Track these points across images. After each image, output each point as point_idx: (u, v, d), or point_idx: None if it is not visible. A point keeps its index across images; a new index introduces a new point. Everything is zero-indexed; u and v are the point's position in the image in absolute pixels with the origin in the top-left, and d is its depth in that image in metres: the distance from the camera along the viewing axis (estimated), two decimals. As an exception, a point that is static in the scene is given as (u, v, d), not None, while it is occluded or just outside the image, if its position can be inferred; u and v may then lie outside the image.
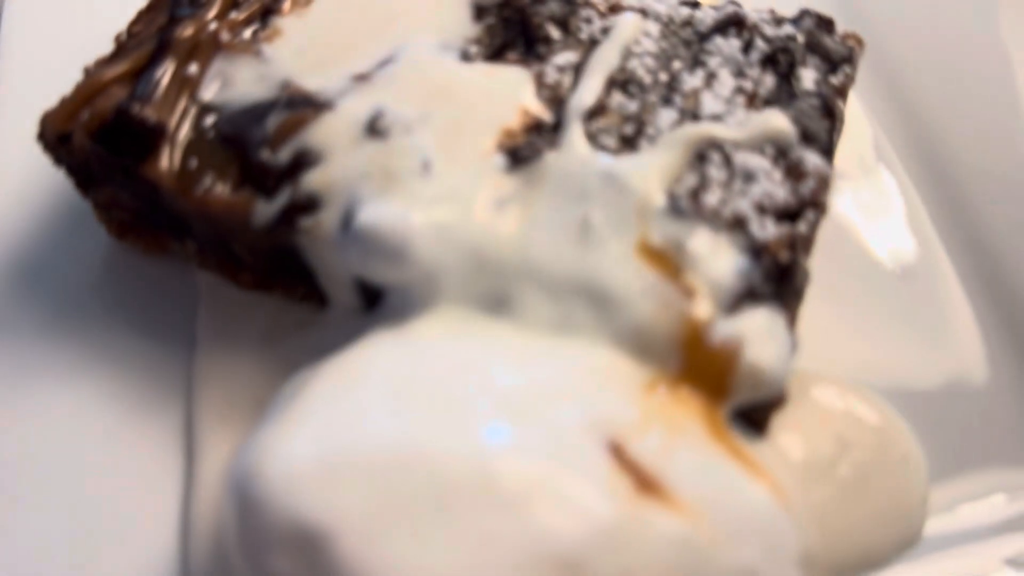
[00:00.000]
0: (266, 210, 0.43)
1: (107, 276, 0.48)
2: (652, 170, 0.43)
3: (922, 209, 0.54)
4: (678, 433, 0.37)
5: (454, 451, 0.33)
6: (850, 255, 0.52)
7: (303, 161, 0.43)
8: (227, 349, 0.45)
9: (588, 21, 0.48)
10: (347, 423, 0.34)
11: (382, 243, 0.41)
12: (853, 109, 0.55)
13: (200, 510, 0.41)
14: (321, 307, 0.45)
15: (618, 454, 0.34)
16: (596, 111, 0.45)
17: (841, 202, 0.54)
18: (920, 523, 0.45)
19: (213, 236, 0.45)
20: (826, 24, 0.48)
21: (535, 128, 0.44)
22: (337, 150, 0.43)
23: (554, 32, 0.47)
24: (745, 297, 0.41)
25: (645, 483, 0.34)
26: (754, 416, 0.43)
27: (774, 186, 0.43)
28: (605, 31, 0.47)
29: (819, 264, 0.45)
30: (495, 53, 0.47)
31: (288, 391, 0.37)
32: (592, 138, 0.44)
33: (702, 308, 0.41)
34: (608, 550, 0.32)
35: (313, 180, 0.43)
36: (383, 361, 0.36)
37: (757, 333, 0.41)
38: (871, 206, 0.54)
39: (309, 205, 0.42)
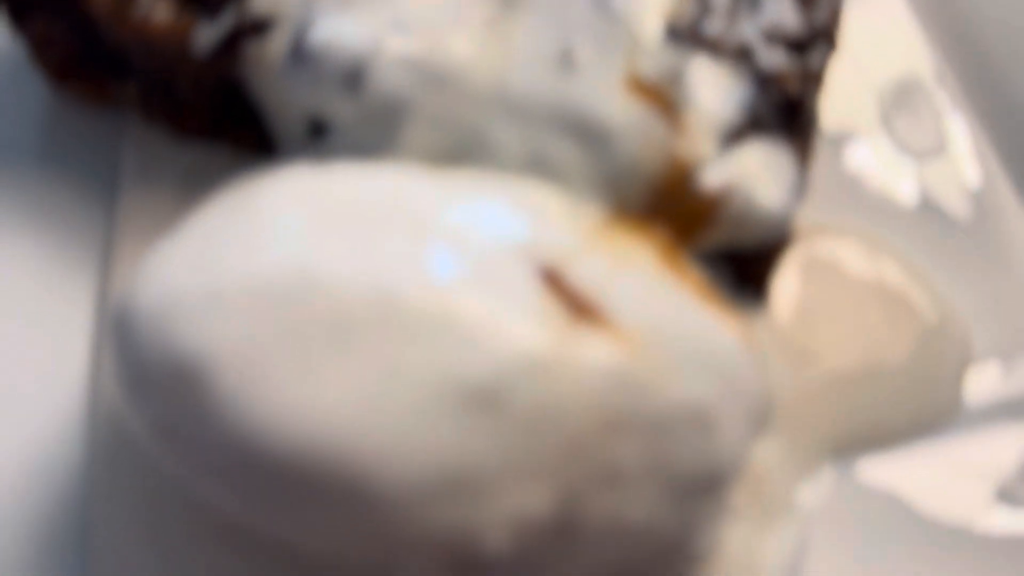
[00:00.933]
0: (208, 34, 0.37)
1: (44, 130, 0.44)
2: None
3: (988, 148, 0.46)
4: (627, 263, 0.32)
5: (356, 277, 0.27)
6: (901, 199, 0.45)
7: (247, -23, 0.38)
8: (150, 192, 0.40)
9: None
10: (237, 246, 0.28)
11: (337, 66, 0.36)
12: (907, 23, 0.49)
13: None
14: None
15: (552, 280, 0.29)
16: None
17: (890, 140, 0.46)
18: (953, 404, 0.40)
19: (154, 73, 0.40)
20: None
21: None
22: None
23: None
24: (747, 129, 0.36)
25: (580, 310, 0.29)
26: (750, 271, 0.39)
27: (784, 11, 0.38)
28: None
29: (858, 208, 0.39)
30: None
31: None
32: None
33: (694, 144, 0.36)
34: (530, 381, 0.27)
35: (260, 1, 0.38)
36: (290, 185, 0.30)
37: (757, 167, 0.36)
38: (926, 144, 0.47)
39: (256, 27, 0.37)
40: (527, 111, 0.36)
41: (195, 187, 0.40)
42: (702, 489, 0.30)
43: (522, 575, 0.28)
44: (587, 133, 0.36)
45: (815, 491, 0.38)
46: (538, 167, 0.36)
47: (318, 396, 0.26)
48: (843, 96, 0.46)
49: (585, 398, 0.28)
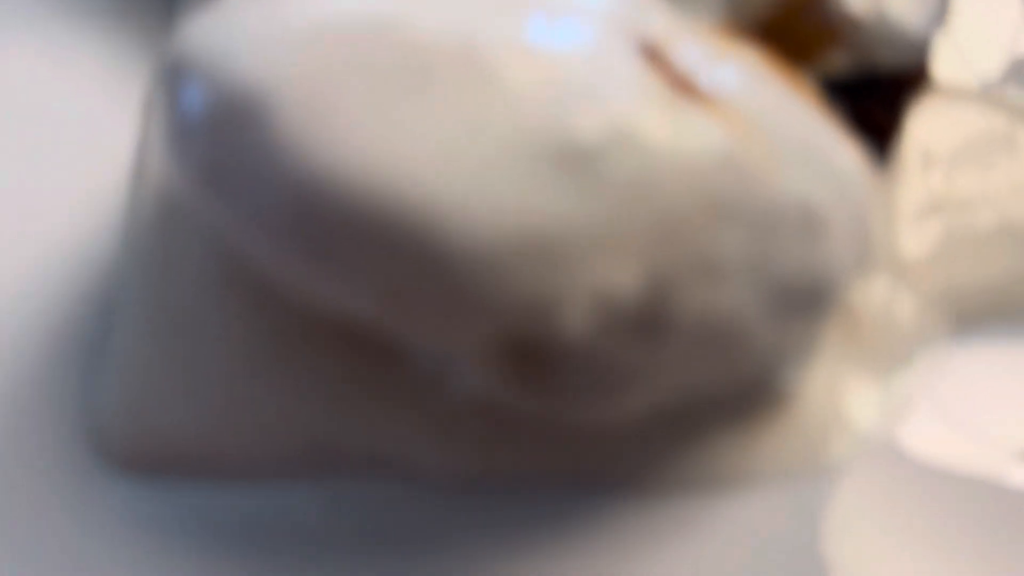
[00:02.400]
0: None
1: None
2: None
3: None
4: (735, 55, 0.28)
5: (440, 27, 0.24)
6: None
7: None
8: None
9: None
10: None
11: None
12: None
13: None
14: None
15: (653, 56, 0.26)
16: None
17: None
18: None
19: None
20: None
21: None
22: None
23: None
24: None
25: (685, 87, 0.26)
26: (874, 114, 0.35)
27: None
28: None
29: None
30: None
31: None
32: None
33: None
34: (630, 149, 0.24)
35: None
36: None
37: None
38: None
39: None
40: None
41: None
42: (802, 302, 0.27)
43: (593, 375, 0.25)
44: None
45: (929, 356, 0.34)
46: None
47: (391, 138, 0.23)
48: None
49: (689, 176, 0.25)
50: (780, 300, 0.27)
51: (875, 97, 0.34)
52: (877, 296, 0.33)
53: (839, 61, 0.32)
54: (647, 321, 0.25)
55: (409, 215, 0.23)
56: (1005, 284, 0.34)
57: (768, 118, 0.27)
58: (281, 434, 0.28)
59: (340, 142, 0.23)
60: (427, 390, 0.28)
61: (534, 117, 0.24)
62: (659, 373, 0.26)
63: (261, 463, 0.28)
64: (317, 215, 0.23)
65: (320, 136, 0.23)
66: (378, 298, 0.24)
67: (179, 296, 0.28)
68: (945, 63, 0.39)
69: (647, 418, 0.29)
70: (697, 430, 0.29)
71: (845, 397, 0.32)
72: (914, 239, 0.35)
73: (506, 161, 0.23)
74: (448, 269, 0.23)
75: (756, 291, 0.26)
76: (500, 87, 0.24)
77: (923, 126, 0.35)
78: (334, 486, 0.29)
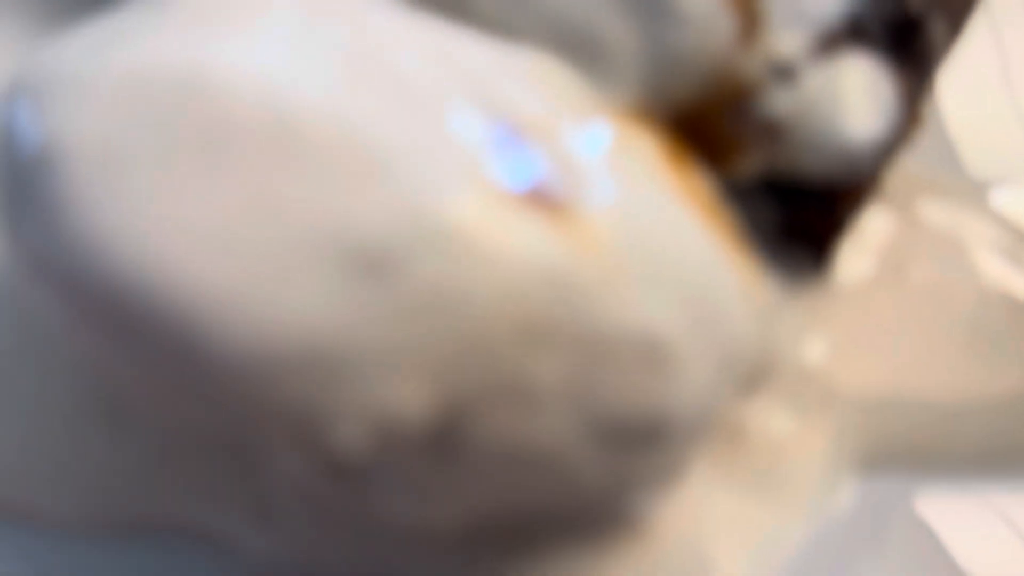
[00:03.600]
0: None
1: None
2: None
3: None
4: (624, 152, 0.25)
5: (253, 83, 0.22)
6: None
7: None
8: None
9: None
10: (135, 32, 0.24)
11: None
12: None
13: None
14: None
15: (512, 140, 0.24)
16: None
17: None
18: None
19: None
20: None
21: None
22: None
23: None
24: (844, 38, 0.29)
25: (542, 190, 0.23)
26: (809, 223, 0.31)
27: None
28: None
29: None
30: None
31: None
32: None
33: (767, 53, 0.29)
34: (439, 252, 0.21)
35: None
36: None
37: (843, 83, 0.29)
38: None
39: None
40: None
41: None
42: (640, 437, 0.24)
43: (392, 486, 0.24)
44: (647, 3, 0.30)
45: (833, 492, 0.31)
46: (572, 28, 0.30)
47: (170, 217, 0.22)
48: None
49: (505, 292, 0.22)
50: (610, 434, 0.24)
51: (812, 204, 0.31)
52: (768, 420, 0.30)
53: (760, 165, 0.30)
54: (437, 443, 0.23)
55: (168, 307, 0.21)
56: (933, 440, 0.31)
57: (635, 235, 0.24)
58: (98, 492, 0.27)
59: (118, 207, 0.22)
60: (250, 470, 0.27)
61: (331, 201, 0.22)
62: (464, 490, 0.24)
63: (77, 517, 0.28)
64: (88, 281, 0.22)
65: (103, 192, 0.22)
66: (146, 385, 0.23)
67: (7, 341, 0.27)
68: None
69: (475, 527, 0.27)
70: (532, 547, 0.27)
71: (716, 529, 0.29)
72: (832, 356, 0.32)
73: (288, 259, 0.21)
74: (211, 367, 0.21)
75: (577, 422, 0.24)
76: (302, 161, 0.22)
77: (860, 253, 0.32)
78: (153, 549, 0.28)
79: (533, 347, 0.23)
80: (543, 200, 0.24)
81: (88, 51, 0.24)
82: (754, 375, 0.29)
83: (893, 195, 0.35)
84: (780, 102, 0.29)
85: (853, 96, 0.29)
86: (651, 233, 0.25)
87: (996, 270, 0.34)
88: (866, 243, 0.34)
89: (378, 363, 0.22)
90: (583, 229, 0.24)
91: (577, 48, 0.30)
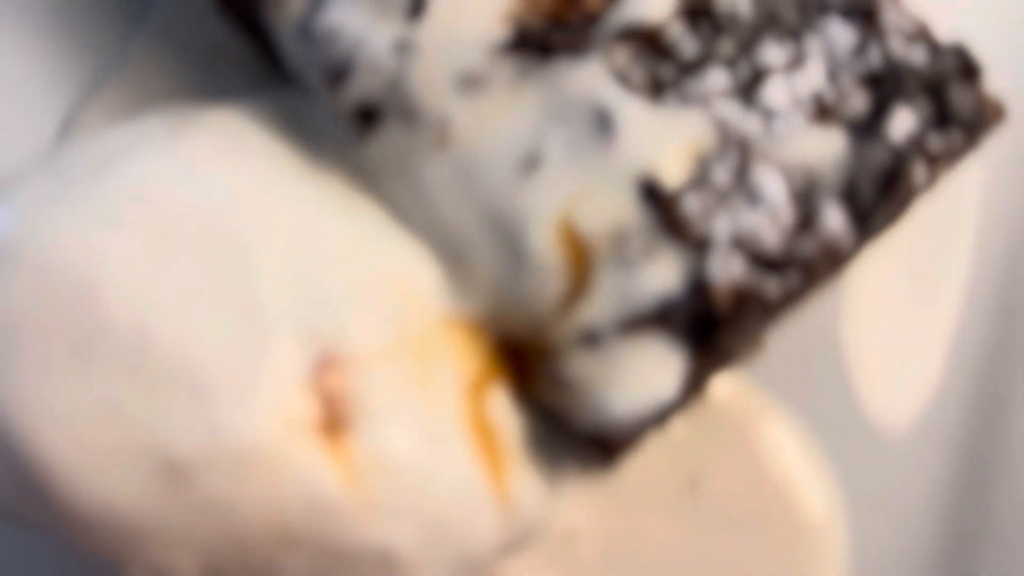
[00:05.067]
0: (244, -44, 0.38)
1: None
2: (655, 142, 0.35)
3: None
4: (421, 385, 0.32)
5: (128, 297, 0.29)
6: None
7: (308, -74, 0.37)
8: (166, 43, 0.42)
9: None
10: (65, 211, 0.30)
11: (327, 57, 0.36)
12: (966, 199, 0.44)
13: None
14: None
15: (324, 375, 0.30)
16: (645, 34, 0.36)
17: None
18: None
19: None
20: (969, 71, 0.36)
21: (565, 11, 0.36)
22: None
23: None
24: (650, 323, 0.35)
25: (333, 421, 0.30)
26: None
27: (769, 225, 0.35)
28: (721, -58, 0.38)
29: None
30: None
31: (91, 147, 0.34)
32: (617, 62, 0.36)
33: (579, 320, 0.34)
34: (228, 471, 0.29)
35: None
36: (146, 170, 0.31)
37: (630, 364, 0.35)
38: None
39: (289, -25, 0.37)
40: (473, 183, 0.36)
41: (207, 65, 0.43)
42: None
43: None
44: (512, 246, 0.35)
45: None
46: (449, 234, 0.36)
47: (43, 391, 0.29)
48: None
49: (272, 506, 0.30)
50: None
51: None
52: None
53: (550, 401, 0.36)
54: (200, 593, 0.31)
55: (26, 460, 0.29)
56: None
57: (392, 471, 0.31)
58: None
59: (10, 382, 0.29)
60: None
61: (159, 417, 0.29)
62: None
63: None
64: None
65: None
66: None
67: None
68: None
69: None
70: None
71: None
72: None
73: (114, 453, 0.29)
74: (56, 516, 0.30)
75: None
76: (144, 386, 0.29)
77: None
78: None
79: (284, 548, 0.31)
80: (330, 427, 0.31)
81: (24, 216, 0.30)
82: (514, 543, 0.37)
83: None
84: (575, 365, 0.35)
85: (633, 373, 0.34)
86: (407, 470, 0.32)
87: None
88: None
89: (159, 540, 0.30)
90: (352, 463, 0.31)
91: (451, 254, 0.36)
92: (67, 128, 0.43)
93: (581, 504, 0.38)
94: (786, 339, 0.41)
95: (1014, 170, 0.43)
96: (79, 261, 0.30)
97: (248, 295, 0.31)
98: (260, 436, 0.30)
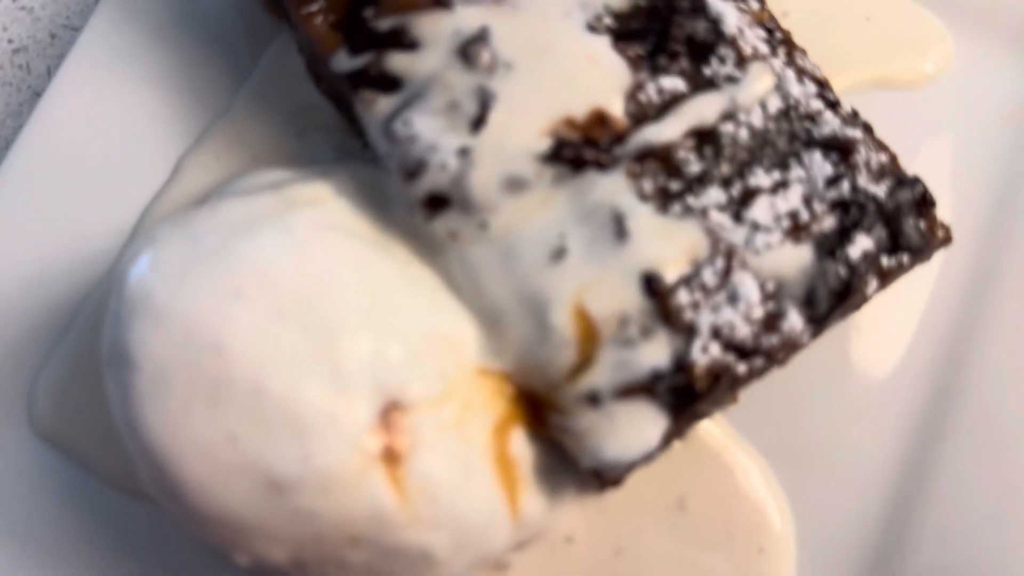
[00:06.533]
0: (345, 61, 0.47)
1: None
2: (659, 244, 0.44)
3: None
4: (461, 425, 0.42)
5: (248, 359, 0.40)
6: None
7: (397, 40, 0.46)
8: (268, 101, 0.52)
9: (722, 61, 0.46)
10: (202, 295, 0.41)
11: (405, 157, 0.45)
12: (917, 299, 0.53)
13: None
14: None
15: (388, 420, 0.40)
16: (658, 153, 0.45)
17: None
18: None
19: (303, 45, 0.50)
20: (922, 204, 0.45)
21: (596, 131, 0.45)
22: (428, 50, 0.46)
23: (683, 52, 0.46)
24: (639, 391, 0.44)
25: (391, 453, 0.40)
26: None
27: (743, 321, 0.44)
28: (729, 80, 0.46)
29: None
30: (622, 35, 0.46)
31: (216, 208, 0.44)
32: (635, 176, 0.45)
33: (572, 389, 0.44)
34: (316, 491, 0.39)
35: (395, 61, 0.46)
36: (261, 255, 0.42)
37: (619, 423, 0.44)
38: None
39: (378, 81, 0.46)
40: (511, 265, 0.45)
41: (298, 124, 0.52)
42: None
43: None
44: (538, 319, 0.44)
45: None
46: (489, 304, 0.45)
47: (181, 424, 0.40)
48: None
49: (346, 519, 0.41)
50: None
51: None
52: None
53: (560, 441, 0.46)
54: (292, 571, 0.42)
55: (169, 469, 0.40)
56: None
57: (434, 499, 0.42)
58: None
59: (151, 411, 0.40)
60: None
61: (266, 446, 0.40)
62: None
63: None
64: (135, 442, 0.41)
65: (143, 398, 0.40)
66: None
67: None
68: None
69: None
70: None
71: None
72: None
73: (231, 470, 0.40)
74: (189, 515, 0.41)
75: (373, 580, 0.43)
76: (257, 422, 0.40)
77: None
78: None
79: (351, 546, 0.41)
80: (396, 461, 0.41)
81: (169, 281, 0.41)
82: (520, 542, 0.47)
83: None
84: (579, 418, 0.44)
85: (625, 428, 0.44)
86: (444, 493, 0.42)
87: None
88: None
89: (260, 535, 0.41)
90: (404, 486, 0.41)
91: (489, 320, 0.45)
92: (179, 167, 0.54)
93: (583, 515, 0.49)
94: (753, 392, 0.50)
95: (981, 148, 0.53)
96: (212, 325, 0.40)
97: (335, 356, 0.41)
98: (339, 464, 0.40)
